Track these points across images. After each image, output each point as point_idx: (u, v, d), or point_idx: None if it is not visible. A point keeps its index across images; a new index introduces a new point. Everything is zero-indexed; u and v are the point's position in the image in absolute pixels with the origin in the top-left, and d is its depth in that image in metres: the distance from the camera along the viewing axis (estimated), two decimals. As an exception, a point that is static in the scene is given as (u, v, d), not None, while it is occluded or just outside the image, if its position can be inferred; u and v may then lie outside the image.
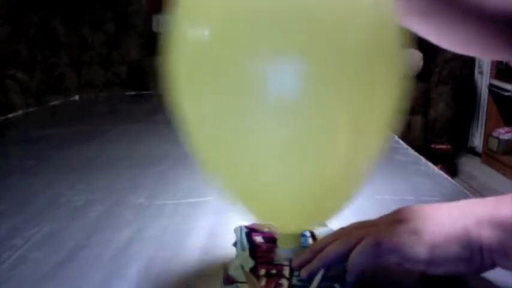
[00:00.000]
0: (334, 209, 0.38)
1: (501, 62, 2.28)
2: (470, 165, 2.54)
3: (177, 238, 0.47)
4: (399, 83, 0.33)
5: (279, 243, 0.40)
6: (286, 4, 0.29)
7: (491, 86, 2.53)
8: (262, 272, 0.38)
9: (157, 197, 0.58)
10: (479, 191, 2.12)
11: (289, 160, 0.32)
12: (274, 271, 0.38)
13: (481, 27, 0.42)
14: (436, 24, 0.43)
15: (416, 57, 2.62)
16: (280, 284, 0.36)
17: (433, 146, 2.50)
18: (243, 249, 0.41)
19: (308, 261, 0.37)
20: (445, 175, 0.63)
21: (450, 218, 0.35)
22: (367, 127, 0.32)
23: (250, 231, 0.44)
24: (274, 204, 0.36)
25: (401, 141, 0.82)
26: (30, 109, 1.33)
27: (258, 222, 0.46)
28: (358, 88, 0.30)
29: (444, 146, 2.50)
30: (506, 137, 2.46)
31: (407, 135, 2.38)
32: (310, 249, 0.39)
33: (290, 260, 0.39)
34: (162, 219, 0.51)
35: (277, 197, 0.35)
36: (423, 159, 0.69)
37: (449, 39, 0.45)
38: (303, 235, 0.43)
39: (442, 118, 2.67)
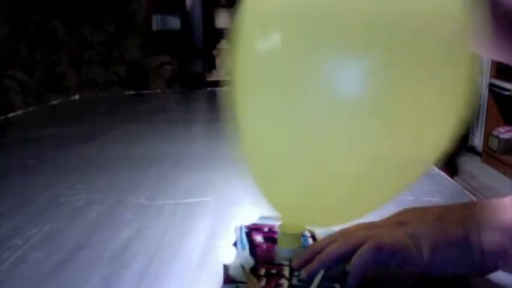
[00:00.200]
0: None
1: (501, 62, 2.28)
2: (470, 164, 2.54)
3: (177, 238, 0.47)
4: (468, 83, 0.33)
5: (279, 243, 0.40)
6: (356, 5, 0.29)
7: (491, 85, 2.53)
8: (262, 271, 0.38)
9: (157, 197, 0.58)
10: (479, 190, 2.12)
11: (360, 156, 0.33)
12: (274, 271, 0.38)
13: None
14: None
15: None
16: (280, 284, 0.36)
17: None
18: (243, 248, 0.41)
19: (308, 262, 0.37)
20: (445, 175, 0.63)
21: (450, 220, 0.35)
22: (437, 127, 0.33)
23: (250, 230, 0.45)
24: (334, 200, 0.36)
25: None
26: (30, 109, 1.33)
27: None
28: (429, 86, 0.31)
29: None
30: (506, 136, 2.46)
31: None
32: (310, 249, 0.39)
33: (290, 260, 0.39)
34: (162, 219, 0.51)
35: (339, 192, 0.35)
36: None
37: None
38: (303, 235, 0.43)
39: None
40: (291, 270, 0.38)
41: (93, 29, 2.78)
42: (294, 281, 0.37)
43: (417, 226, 0.35)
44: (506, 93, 2.38)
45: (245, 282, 0.37)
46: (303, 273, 0.37)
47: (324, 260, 0.36)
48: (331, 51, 0.30)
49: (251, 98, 0.35)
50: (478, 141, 2.70)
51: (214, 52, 2.95)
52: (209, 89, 1.63)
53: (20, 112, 1.27)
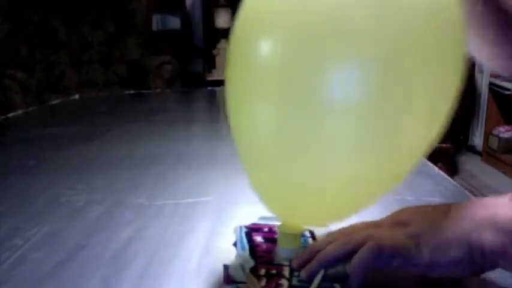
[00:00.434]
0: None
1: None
2: (470, 163, 2.54)
3: (177, 238, 0.47)
4: (459, 84, 0.34)
5: (279, 243, 0.40)
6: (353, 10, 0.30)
7: (491, 84, 2.53)
8: (262, 272, 0.38)
9: (157, 197, 0.58)
10: (479, 190, 2.12)
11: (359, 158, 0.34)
12: (274, 271, 0.38)
13: None
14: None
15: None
16: (280, 284, 0.36)
17: (433, 144, 2.49)
18: (243, 248, 0.41)
19: (307, 262, 0.37)
20: (445, 175, 0.63)
21: (450, 220, 0.35)
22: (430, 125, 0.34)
23: (250, 231, 0.45)
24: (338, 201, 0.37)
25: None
26: (30, 108, 1.33)
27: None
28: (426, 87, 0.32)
29: (444, 145, 2.50)
30: (506, 135, 2.46)
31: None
32: (309, 249, 0.39)
33: (290, 260, 0.39)
34: (162, 219, 0.51)
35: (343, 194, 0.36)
36: (423, 159, 0.69)
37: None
38: (303, 235, 0.43)
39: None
40: (291, 271, 0.38)
41: (93, 28, 2.78)
42: (294, 281, 0.37)
43: (417, 226, 0.35)
44: (506, 92, 2.38)
45: (245, 283, 0.37)
46: (303, 274, 0.37)
47: (323, 260, 0.36)
48: (326, 55, 0.31)
49: (245, 102, 0.35)
50: (478, 140, 2.70)
51: (214, 52, 2.95)
52: (209, 88, 1.63)
53: (19, 112, 1.27)
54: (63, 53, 2.72)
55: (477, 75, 2.69)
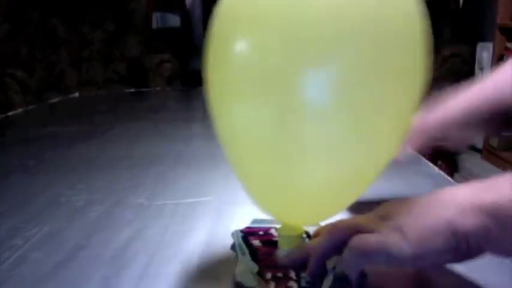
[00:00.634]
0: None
1: (501, 59, 2.28)
2: (470, 161, 2.54)
3: (177, 238, 0.47)
4: (422, 84, 0.36)
5: (280, 244, 0.40)
6: (324, 16, 0.31)
7: (491, 82, 2.52)
8: (269, 275, 0.38)
9: (157, 197, 0.58)
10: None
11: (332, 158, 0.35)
12: (280, 274, 0.38)
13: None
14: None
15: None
16: (290, 287, 0.36)
17: (433, 142, 2.49)
18: (242, 253, 0.41)
19: (298, 260, 0.38)
20: (445, 175, 0.63)
21: (432, 210, 0.34)
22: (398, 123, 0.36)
23: (246, 235, 0.44)
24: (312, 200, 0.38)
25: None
26: (30, 107, 1.33)
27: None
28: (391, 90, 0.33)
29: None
30: (506, 134, 2.46)
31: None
32: (299, 248, 0.39)
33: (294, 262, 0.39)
34: (162, 219, 0.51)
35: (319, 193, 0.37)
36: (423, 159, 0.69)
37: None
38: (302, 236, 0.43)
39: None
40: (298, 272, 0.38)
41: (92, 27, 2.78)
42: (303, 283, 0.37)
43: (400, 218, 0.35)
44: (507, 90, 2.37)
45: (255, 287, 0.36)
46: (306, 274, 0.37)
47: (315, 253, 0.36)
48: (299, 58, 0.31)
49: (223, 102, 0.36)
50: (478, 138, 2.70)
51: (214, 50, 2.94)
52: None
53: (20, 111, 1.27)
54: (63, 52, 2.72)
55: (477, 72, 2.69)
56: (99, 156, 0.78)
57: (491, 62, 2.51)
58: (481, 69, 2.66)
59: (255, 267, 0.39)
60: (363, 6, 0.31)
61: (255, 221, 0.47)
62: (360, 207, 0.41)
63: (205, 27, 0.38)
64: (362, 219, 0.38)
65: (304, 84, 0.32)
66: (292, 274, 0.38)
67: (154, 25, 2.99)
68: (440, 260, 0.34)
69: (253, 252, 0.41)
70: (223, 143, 0.38)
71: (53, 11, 2.67)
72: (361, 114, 0.33)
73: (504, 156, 2.38)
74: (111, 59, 2.80)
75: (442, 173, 0.65)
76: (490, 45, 2.58)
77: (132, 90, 1.72)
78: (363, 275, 0.36)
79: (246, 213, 0.49)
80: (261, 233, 0.45)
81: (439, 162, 2.29)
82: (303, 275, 0.37)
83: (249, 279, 0.37)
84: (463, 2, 2.71)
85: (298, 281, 0.37)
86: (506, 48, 2.31)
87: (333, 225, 0.37)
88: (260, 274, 0.38)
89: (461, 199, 0.34)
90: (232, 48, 0.34)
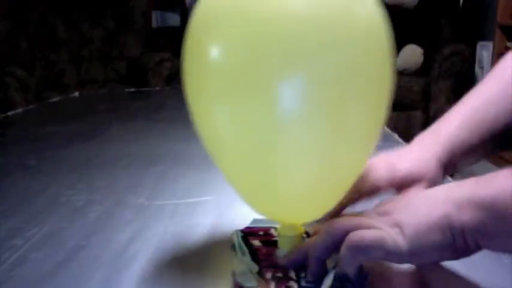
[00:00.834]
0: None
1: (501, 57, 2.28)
2: (470, 160, 2.54)
3: (177, 238, 0.47)
4: (389, 92, 0.37)
5: (279, 244, 0.40)
6: (294, 28, 0.32)
7: (491, 81, 2.52)
8: (269, 275, 0.38)
9: (157, 197, 0.58)
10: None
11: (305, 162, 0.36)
12: (280, 274, 0.38)
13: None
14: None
15: (417, 52, 2.61)
16: (290, 287, 0.36)
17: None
18: (242, 253, 0.41)
19: (297, 260, 0.38)
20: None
21: (429, 206, 0.34)
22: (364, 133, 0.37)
23: (246, 235, 0.44)
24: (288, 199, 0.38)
25: (401, 140, 0.82)
26: (30, 106, 1.33)
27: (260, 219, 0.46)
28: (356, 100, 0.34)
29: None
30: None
31: (407, 130, 2.37)
32: (297, 248, 0.39)
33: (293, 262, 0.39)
34: (162, 219, 0.51)
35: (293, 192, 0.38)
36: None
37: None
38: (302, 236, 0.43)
39: (442, 113, 2.66)
40: (298, 272, 0.38)
41: (92, 26, 2.78)
42: (303, 283, 0.37)
43: (398, 214, 0.35)
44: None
45: (256, 287, 0.36)
46: (309, 275, 0.37)
47: (314, 252, 0.36)
48: (269, 66, 0.32)
49: (200, 102, 0.37)
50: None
51: (214, 49, 2.94)
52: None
53: (20, 110, 1.27)
54: (63, 51, 2.72)
55: (477, 71, 2.69)
56: (99, 156, 0.78)
57: (491, 61, 2.51)
58: (481, 68, 2.66)
59: (255, 267, 0.39)
60: (333, 19, 0.33)
61: (255, 221, 0.47)
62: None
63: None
64: (360, 216, 0.38)
65: (274, 90, 0.32)
66: (292, 274, 0.38)
67: (154, 24, 2.99)
68: (437, 256, 0.34)
69: (253, 252, 0.41)
70: (204, 142, 0.39)
71: (52, 9, 2.67)
72: (332, 117, 0.34)
73: (504, 156, 2.38)
74: (111, 58, 2.80)
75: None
76: (490, 44, 2.58)
77: (132, 89, 1.71)
78: (363, 275, 0.36)
79: (246, 213, 0.49)
80: (260, 233, 0.45)
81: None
82: (303, 274, 0.37)
83: (249, 279, 0.37)
84: (463, 1, 2.71)
85: (298, 281, 0.37)
86: (507, 47, 2.31)
87: (331, 224, 0.37)
88: (260, 274, 0.38)
89: (458, 195, 0.34)
90: (206, 52, 0.35)
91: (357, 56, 0.33)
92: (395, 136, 0.84)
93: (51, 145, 0.86)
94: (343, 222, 0.36)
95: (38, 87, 2.54)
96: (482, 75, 2.63)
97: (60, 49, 2.71)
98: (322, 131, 0.34)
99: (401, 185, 0.43)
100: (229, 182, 0.40)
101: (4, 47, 2.50)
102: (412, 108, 2.48)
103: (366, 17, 0.35)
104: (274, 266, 0.39)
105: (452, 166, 0.47)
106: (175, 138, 0.88)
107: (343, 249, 0.34)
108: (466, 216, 0.32)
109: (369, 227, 0.35)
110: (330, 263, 0.37)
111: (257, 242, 0.43)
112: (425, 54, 2.59)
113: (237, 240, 0.43)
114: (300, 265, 0.38)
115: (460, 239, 0.33)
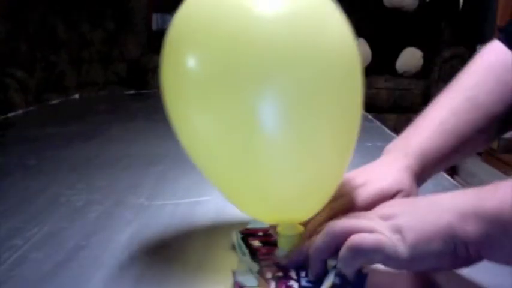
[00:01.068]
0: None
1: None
2: (470, 163, 2.53)
3: (177, 238, 0.47)
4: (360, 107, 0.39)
5: (279, 244, 0.40)
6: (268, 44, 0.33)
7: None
8: (269, 275, 0.38)
9: (157, 197, 0.58)
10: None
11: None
12: (280, 274, 0.38)
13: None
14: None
15: (417, 55, 2.62)
16: (290, 286, 0.36)
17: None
18: (243, 254, 0.41)
19: (297, 260, 0.38)
20: (445, 175, 0.63)
21: (433, 213, 0.34)
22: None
23: (245, 236, 0.44)
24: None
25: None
26: (30, 108, 1.33)
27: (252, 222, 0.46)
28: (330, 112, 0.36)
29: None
30: (506, 135, 2.46)
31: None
32: (297, 248, 0.39)
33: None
34: (162, 219, 0.51)
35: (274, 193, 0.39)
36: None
37: None
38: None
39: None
40: (297, 272, 0.38)
41: (92, 27, 2.78)
42: (303, 282, 0.37)
43: (400, 218, 0.35)
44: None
45: (256, 287, 0.36)
46: (310, 275, 0.37)
47: (317, 253, 0.36)
48: (242, 76, 0.33)
49: (178, 107, 0.38)
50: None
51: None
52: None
53: (20, 111, 1.27)
54: (63, 52, 2.72)
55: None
56: (99, 156, 0.78)
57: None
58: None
59: (256, 267, 0.39)
60: (306, 35, 0.33)
61: (254, 222, 0.47)
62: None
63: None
64: (362, 218, 0.38)
65: (248, 100, 0.33)
66: (293, 273, 0.38)
67: (154, 26, 2.99)
68: (437, 265, 0.34)
69: (253, 252, 0.41)
70: (182, 146, 0.40)
71: (52, 10, 2.67)
72: (305, 124, 0.35)
73: (504, 159, 2.38)
74: (111, 60, 2.80)
75: (442, 172, 0.65)
76: (489, 47, 2.58)
77: (132, 91, 1.72)
78: (363, 275, 0.36)
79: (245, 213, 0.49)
80: (260, 233, 0.45)
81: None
82: (303, 274, 0.37)
83: (250, 279, 0.37)
84: (463, 4, 2.71)
85: (298, 280, 0.37)
86: (506, 50, 2.31)
87: (332, 224, 0.37)
88: (260, 273, 0.38)
89: (463, 205, 0.34)
90: (183, 61, 0.35)
91: (327, 71, 0.34)
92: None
93: (51, 145, 0.86)
94: (344, 223, 0.36)
95: (38, 89, 2.55)
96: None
97: (60, 51, 2.71)
98: (295, 139, 0.35)
99: (377, 203, 0.42)
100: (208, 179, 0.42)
101: (4, 48, 2.50)
102: (412, 110, 2.49)
103: (338, 35, 0.36)
104: (274, 266, 0.39)
105: (425, 177, 0.47)
106: (175, 138, 0.87)
107: (343, 250, 0.34)
108: (471, 228, 0.32)
109: (370, 231, 0.35)
110: (330, 263, 0.37)
111: (257, 242, 0.43)
112: (425, 57, 2.60)
113: (237, 241, 0.43)
114: (299, 265, 0.38)
115: (462, 249, 0.33)
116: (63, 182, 0.64)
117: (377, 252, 0.34)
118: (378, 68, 2.60)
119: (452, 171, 2.39)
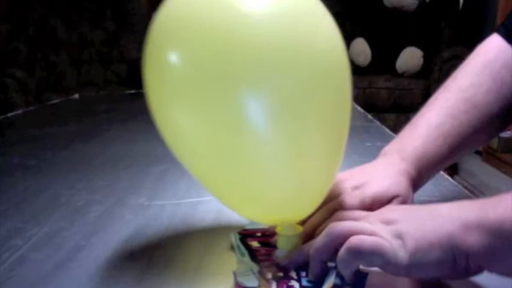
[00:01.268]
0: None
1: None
2: (470, 163, 2.53)
3: (177, 238, 0.47)
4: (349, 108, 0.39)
5: (279, 244, 0.40)
6: (257, 42, 0.32)
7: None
8: (269, 275, 0.38)
9: (157, 197, 0.58)
10: (479, 189, 2.12)
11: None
12: (281, 274, 0.38)
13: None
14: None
15: (417, 55, 2.62)
16: (291, 286, 0.36)
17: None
18: (242, 255, 0.41)
19: (297, 261, 0.38)
20: (445, 175, 0.63)
21: (435, 222, 0.34)
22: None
23: (244, 237, 0.44)
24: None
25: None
26: (30, 108, 1.33)
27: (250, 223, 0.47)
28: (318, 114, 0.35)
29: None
30: (506, 135, 2.46)
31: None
32: (298, 248, 0.39)
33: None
34: (162, 219, 0.51)
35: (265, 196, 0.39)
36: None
37: None
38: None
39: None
40: (298, 272, 0.38)
41: (92, 27, 2.78)
42: (304, 282, 0.37)
43: (401, 224, 0.35)
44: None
45: (257, 287, 0.36)
46: (310, 275, 0.37)
47: (317, 254, 0.36)
48: (226, 74, 0.33)
49: (161, 106, 0.38)
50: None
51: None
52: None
53: (19, 111, 1.27)
54: (63, 52, 2.72)
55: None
56: (99, 156, 0.78)
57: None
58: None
59: (256, 267, 0.39)
60: (292, 35, 0.33)
61: (252, 223, 0.47)
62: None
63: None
64: (363, 221, 0.37)
65: (234, 98, 0.33)
66: (293, 273, 0.38)
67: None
68: (436, 273, 0.34)
69: (252, 253, 0.41)
70: (165, 141, 0.40)
71: (52, 10, 2.67)
72: (293, 123, 0.34)
73: (504, 158, 2.38)
74: (111, 60, 2.80)
75: (442, 172, 0.65)
76: (489, 47, 2.58)
77: (132, 91, 1.71)
78: (363, 275, 0.36)
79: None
80: (258, 234, 0.45)
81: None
82: (304, 274, 0.37)
83: (250, 279, 0.37)
84: (463, 4, 2.71)
85: (299, 280, 0.37)
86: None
87: (333, 225, 0.37)
88: (261, 274, 0.38)
89: (466, 215, 0.33)
90: (166, 58, 0.35)
91: (315, 69, 0.34)
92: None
93: (51, 145, 0.86)
94: (345, 225, 0.36)
95: (38, 89, 2.55)
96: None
97: (60, 51, 2.71)
98: (284, 139, 0.35)
99: (373, 206, 0.42)
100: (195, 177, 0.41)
101: (4, 48, 2.50)
102: (412, 110, 2.48)
103: (325, 35, 0.36)
104: (274, 266, 0.39)
105: (422, 181, 0.47)
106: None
107: (343, 251, 0.34)
108: (472, 239, 0.32)
109: (371, 234, 0.35)
110: (330, 264, 0.37)
111: (255, 243, 0.43)
112: (425, 57, 2.60)
113: (236, 242, 0.43)
114: (299, 265, 0.38)
115: (462, 261, 0.33)
116: (63, 182, 0.64)
117: (376, 256, 0.34)
118: (377, 67, 2.60)
119: (452, 171, 2.39)
